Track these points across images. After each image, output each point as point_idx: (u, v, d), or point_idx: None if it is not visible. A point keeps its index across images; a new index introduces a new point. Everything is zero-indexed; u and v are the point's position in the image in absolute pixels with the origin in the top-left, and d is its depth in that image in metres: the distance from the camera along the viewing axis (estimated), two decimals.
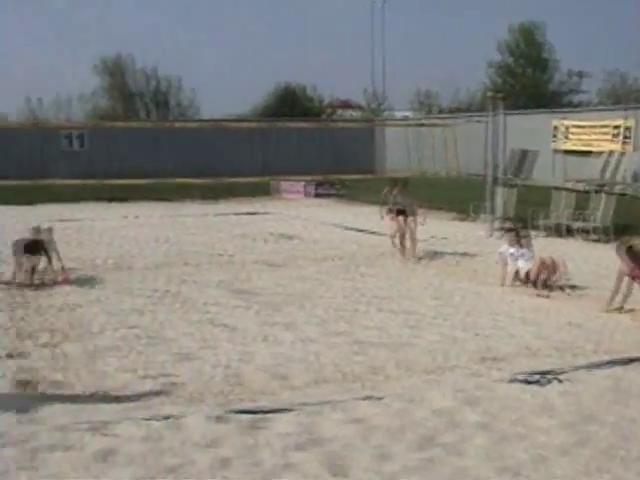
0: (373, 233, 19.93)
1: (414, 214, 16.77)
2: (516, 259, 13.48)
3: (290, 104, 67.36)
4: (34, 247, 13.54)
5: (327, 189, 34.17)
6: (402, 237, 16.63)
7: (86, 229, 22.31)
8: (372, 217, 24.66)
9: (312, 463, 6.20)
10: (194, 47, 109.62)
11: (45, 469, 6.13)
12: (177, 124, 48.33)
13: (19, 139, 41.04)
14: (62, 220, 24.79)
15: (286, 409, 7.32)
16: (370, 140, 45.78)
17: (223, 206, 30.39)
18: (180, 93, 73.55)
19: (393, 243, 16.71)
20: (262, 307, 11.77)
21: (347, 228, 21.74)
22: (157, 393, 7.86)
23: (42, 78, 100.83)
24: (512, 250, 13.59)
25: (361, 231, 20.94)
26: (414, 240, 16.60)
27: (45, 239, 13.83)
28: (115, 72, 71.74)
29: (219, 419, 7.01)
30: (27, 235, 14.09)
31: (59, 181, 33.26)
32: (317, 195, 33.69)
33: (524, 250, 13.50)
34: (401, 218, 16.66)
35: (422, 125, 37.60)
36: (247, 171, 40.15)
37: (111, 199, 32.18)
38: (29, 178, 36.20)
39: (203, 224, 23.55)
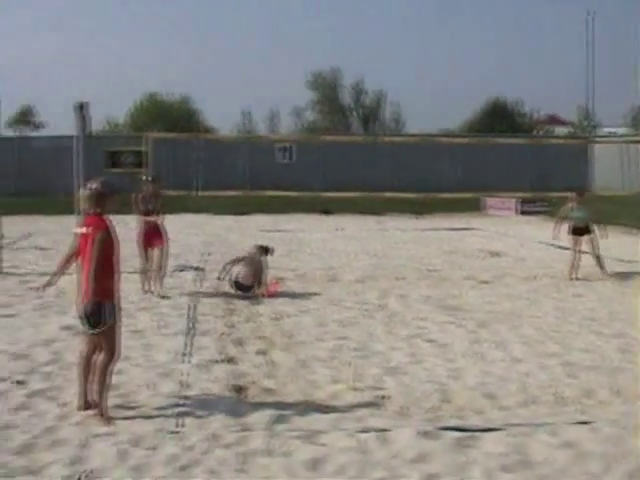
0: (584, 253, 19.36)
1: (593, 230, 16.16)
2: None
3: (500, 119, 66.67)
4: (243, 287, 13.80)
5: (536, 206, 33.44)
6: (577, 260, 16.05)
7: (296, 240, 22.83)
8: None
9: None
10: (399, 61, 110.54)
11: (255, 473, 6.27)
12: (385, 138, 48.71)
13: (233, 152, 42.52)
14: (271, 231, 25.57)
15: (495, 429, 7.18)
16: (582, 157, 44.45)
17: (429, 221, 30.39)
18: (386, 107, 74.27)
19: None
20: (472, 324, 11.66)
21: (557, 247, 21.15)
22: (366, 405, 7.91)
23: (257, 93, 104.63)
24: None
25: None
26: (598, 257, 16.06)
27: (263, 262, 14.00)
28: (326, 86, 73.22)
29: (428, 435, 6.96)
30: (245, 253, 14.49)
31: (270, 192, 34.19)
32: (525, 212, 33.02)
33: None
34: (575, 239, 16.12)
35: None
36: (453, 186, 39.91)
37: (320, 211, 32.80)
38: (242, 189, 37.58)
39: (411, 238, 23.61)
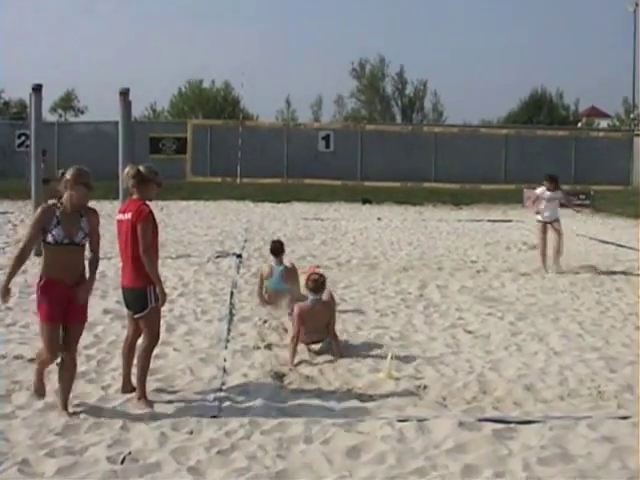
0: (630, 248, 19.24)
1: None
2: None
3: (541, 111, 66.24)
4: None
5: (577, 199, 33.03)
6: None
7: (335, 229, 22.83)
8: (629, 230, 23.81)
9: (560, 479, 6.03)
10: (440, 51, 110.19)
11: (294, 459, 6.30)
12: (426, 128, 48.54)
13: (273, 139, 42.55)
14: (311, 219, 25.59)
15: (534, 421, 7.15)
16: (626, 151, 43.93)
17: (469, 212, 30.24)
18: (426, 97, 74.27)
19: None
20: (513, 316, 11.62)
21: (600, 241, 20.98)
22: (405, 395, 7.93)
23: (301, 81, 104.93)
24: None
25: (616, 244, 20.16)
26: None
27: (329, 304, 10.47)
28: (370, 75, 73.31)
29: (466, 425, 6.94)
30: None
31: (309, 180, 34.26)
32: (565, 205, 32.58)
33: None
34: None
35: None
36: (494, 177, 39.69)
37: (360, 200, 32.80)
38: (281, 177, 37.66)
39: (451, 229, 23.53)
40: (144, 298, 7.39)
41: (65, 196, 7.12)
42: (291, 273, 11.78)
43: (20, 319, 10.76)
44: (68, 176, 7.11)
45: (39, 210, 7.16)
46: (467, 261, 16.86)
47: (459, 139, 41.55)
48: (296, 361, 8.99)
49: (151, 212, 7.44)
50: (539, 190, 16.44)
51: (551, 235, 16.23)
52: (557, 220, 16.38)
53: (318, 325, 9.49)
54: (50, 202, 7.18)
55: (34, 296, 12.06)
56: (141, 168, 7.57)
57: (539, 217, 16.43)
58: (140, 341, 7.70)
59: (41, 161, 17.04)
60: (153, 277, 7.38)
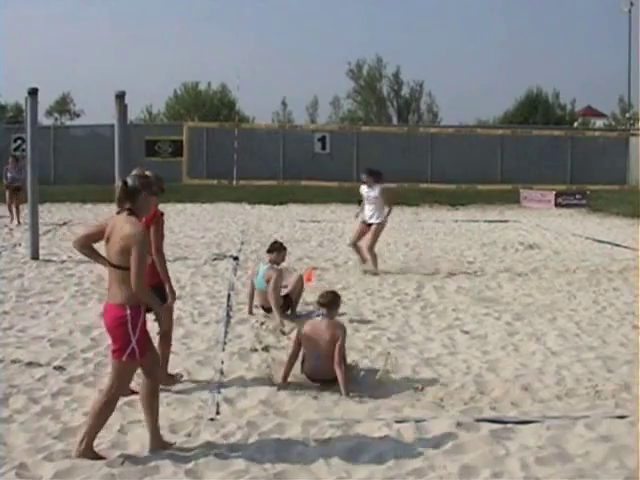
0: (627, 247, 19.25)
1: None
2: None
3: (537, 111, 66.25)
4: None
5: (574, 199, 33.12)
6: None
7: (332, 230, 22.84)
8: (625, 230, 23.83)
9: (557, 478, 6.03)
10: (435, 51, 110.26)
11: (293, 461, 6.28)
12: (421, 129, 48.58)
13: (269, 141, 42.58)
14: (307, 221, 25.58)
15: (532, 421, 7.14)
16: (622, 150, 43.95)
17: (465, 213, 30.26)
18: (422, 98, 74.37)
19: None
20: (508, 316, 11.62)
21: (599, 241, 20.98)
22: (403, 396, 7.92)
23: (297, 82, 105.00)
24: None
25: (612, 244, 20.18)
26: None
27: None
28: (366, 76, 73.39)
29: (464, 426, 6.93)
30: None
31: (305, 182, 34.27)
32: (562, 205, 32.71)
33: None
34: None
35: None
36: (490, 178, 39.69)
37: (356, 202, 32.76)
38: (277, 179, 37.65)
39: (447, 230, 23.53)
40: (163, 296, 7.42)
41: (138, 207, 6.17)
42: (271, 273, 11.35)
43: (17, 323, 10.76)
44: (140, 184, 6.18)
45: (141, 233, 5.96)
46: (468, 262, 16.87)
47: (455, 139, 41.57)
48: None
49: (162, 213, 7.54)
50: (361, 188, 15.78)
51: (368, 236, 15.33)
52: (377, 224, 15.60)
53: (319, 349, 8.16)
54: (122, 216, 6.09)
55: (31, 300, 12.18)
56: (148, 173, 7.58)
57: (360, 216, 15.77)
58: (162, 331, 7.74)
59: (36, 166, 16.98)
60: (164, 276, 7.47)
